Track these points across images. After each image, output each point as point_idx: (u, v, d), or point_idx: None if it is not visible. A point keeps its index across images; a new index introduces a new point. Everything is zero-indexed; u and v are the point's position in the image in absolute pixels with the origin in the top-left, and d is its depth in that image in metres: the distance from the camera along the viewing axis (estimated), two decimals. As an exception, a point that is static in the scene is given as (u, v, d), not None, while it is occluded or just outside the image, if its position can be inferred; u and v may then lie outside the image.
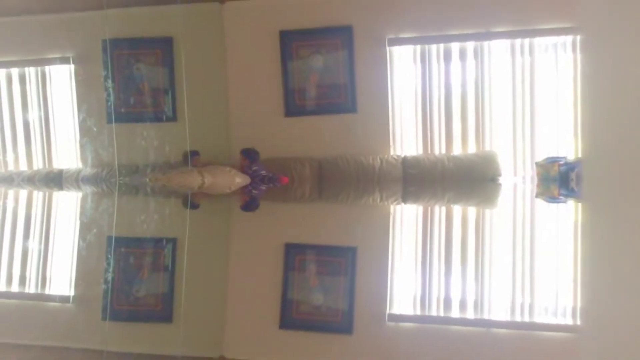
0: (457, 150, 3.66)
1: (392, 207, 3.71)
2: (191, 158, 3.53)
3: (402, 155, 3.65)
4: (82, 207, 3.97)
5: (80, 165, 3.97)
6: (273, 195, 3.68)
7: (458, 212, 3.68)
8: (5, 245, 4.11)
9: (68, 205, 4.08)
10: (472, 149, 3.65)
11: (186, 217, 3.62)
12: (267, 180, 3.57)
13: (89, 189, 3.83)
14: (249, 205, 3.61)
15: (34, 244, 4.09)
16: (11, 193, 4.15)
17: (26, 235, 4.11)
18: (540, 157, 3.51)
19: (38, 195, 4.13)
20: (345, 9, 3.70)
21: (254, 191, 3.57)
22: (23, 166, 4.14)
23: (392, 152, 3.69)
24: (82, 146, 3.94)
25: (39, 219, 4.11)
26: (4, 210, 4.15)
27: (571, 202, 3.48)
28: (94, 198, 3.88)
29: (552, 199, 3.42)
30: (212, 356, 3.78)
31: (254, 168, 3.58)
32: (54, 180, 3.90)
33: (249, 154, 3.60)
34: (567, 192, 3.35)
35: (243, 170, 3.55)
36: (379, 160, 3.61)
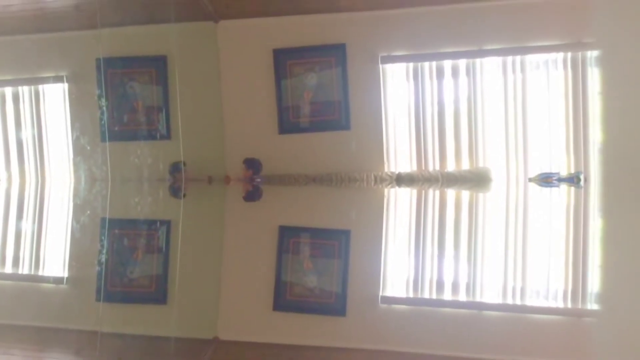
0: (450, 167, 3.68)
1: (386, 190, 3.71)
2: (178, 170, 3.53)
3: (396, 172, 3.66)
4: (76, 189, 3.91)
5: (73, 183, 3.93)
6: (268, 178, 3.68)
7: (452, 196, 3.69)
8: (-1, 226, 4.06)
9: (61, 187, 4.01)
10: (465, 165, 3.66)
11: (180, 200, 3.61)
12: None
13: (82, 170, 3.81)
14: (252, 194, 3.60)
15: (27, 225, 4.00)
16: (4, 175, 4.06)
17: (20, 217, 4.02)
18: (534, 173, 3.55)
19: (31, 177, 4.07)
20: (338, 27, 3.73)
21: (257, 179, 3.58)
22: (16, 185, 4.10)
23: (385, 169, 3.71)
24: (75, 164, 3.90)
25: (32, 200, 4.02)
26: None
27: (564, 187, 3.51)
28: (87, 180, 3.83)
29: (546, 183, 3.48)
30: (206, 337, 3.79)
31: (257, 180, 3.60)
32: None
33: (253, 165, 3.61)
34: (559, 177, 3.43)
35: (245, 181, 3.58)
36: (372, 176, 3.62)
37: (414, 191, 3.70)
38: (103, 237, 3.74)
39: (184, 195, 3.61)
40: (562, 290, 3.53)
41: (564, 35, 3.50)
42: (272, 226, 3.81)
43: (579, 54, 3.51)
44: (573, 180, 3.45)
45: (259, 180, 3.60)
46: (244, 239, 3.86)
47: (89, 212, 3.80)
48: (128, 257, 3.86)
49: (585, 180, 3.42)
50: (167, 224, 3.83)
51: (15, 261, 3.97)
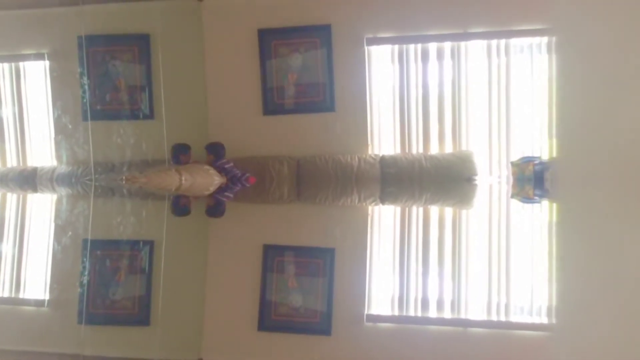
0: (434, 150, 3.68)
1: (370, 208, 3.72)
2: (182, 154, 3.47)
3: (380, 155, 3.66)
4: (57, 210, 3.91)
5: (55, 163, 3.91)
6: (251, 196, 3.67)
7: (435, 212, 3.70)
8: (-21, 250, 4.03)
9: (43, 208, 4.02)
10: (449, 148, 3.67)
11: (163, 219, 3.58)
12: (235, 180, 3.52)
13: (63, 190, 3.77)
14: (214, 209, 3.55)
15: (8, 248, 4.01)
16: None
17: (0, 239, 4.02)
18: (516, 156, 3.54)
19: (12, 198, 4.05)
20: (324, 7, 3.70)
21: (220, 197, 3.51)
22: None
23: (370, 151, 3.71)
24: (57, 144, 3.88)
25: (12, 222, 4.03)
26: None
27: (545, 203, 3.50)
28: (69, 200, 3.82)
29: (527, 199, 3.46)
30: (190, 359, 3.76)
31: (226, 165, 3.52)
32: (28, 179, 3.83)
33: (214, 149, 3.54)
34: (541, 192, 3.39)
35: (213, 165, 3.51)
36: (357, 159, 3.62)
37: (398, 209, 3.71)
38: (85, 259, 3.74)
39: (189, 212, 3.53)
40: (545, 306, 3.54)
41: (548, 19, 3.44)
42: (256, 244, 3.77)
43: None
44: (555, 164, 3.44)
45: (230, 165, 3.52)
46: (229, 258, 3.82)
47: (70, 232, 3.79)
48: (110, 278, 3.83)
49: None
50: (150, 243, 3.80)
51: None
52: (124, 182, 3.04)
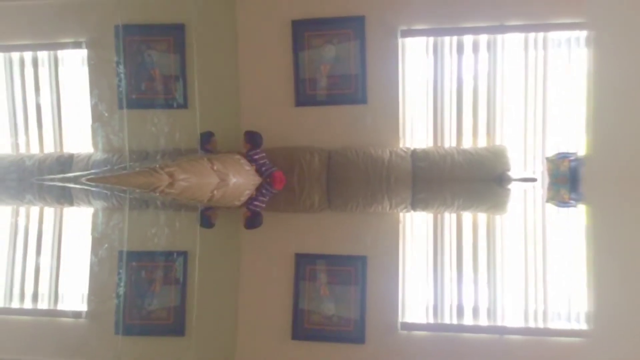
0: (467, 144, 3.66)
1: (401, 214, 3.69)
2: (207, 141, 3.48)
3: (412, 148, 3.65)
4: (93, 223, 3.96)
5: (91, 150, 3.97)
6: (282, 205, 3.67)
7: (468, 218, 3.67)
8: (18, 262, 4.07)
9: (79, 221, 4.09)
10: (482, 142, 3.65)
11: (196, 230, 3.59)
12: (262, 173, 3.51)
13: (99, 203, 3.82)
14: (253, 220, 3.52)
15: (45, 261, 4.05)
16: (22, 210, 4.15)
17: (38, 252, 4.06)
18: (551, 152, 3.52)
19: (49, 212, 4.12)
20: (358, -1, 3.67)
21: (252, 207, 3.50)
22: (35, 149, 4.15)
23: (401, 145, 3.70)
24: (93, 131, 3.92)
25: (50, 235, 4.08)
26: (16, 227, 4.12)
27: (582, 207, 3.41)
28: (104, 213, 3.87)
29: (563, 203, 3.41)
30: None
31: (257, 156, 3.52)
32: (64, 165, 3.89)
33: (253, 138, 3.53)
34: (577, 196, 3.34)
35: (245, 154, 3.51)
36: (388, 152, 3.60)
37: (430, 215, 3.67)
38: (121, 270, 3.74)
39: (213, 225, 3.55)
40: (584, 312, 3.49)
41: (585, 13, 3.41)
42: (288, 254, 3.77)
43: None
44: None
45: (261, 155, 3.52)
46: (261, 268, 3.83)
47: (106, 245, 3.80)
48: (146, 289, 3.86)
49: None
50: (184, 254, 3.80)
51: (35, 296, 4.01)
52: (158, 194, 2.98)
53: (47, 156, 4.03)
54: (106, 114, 3.88)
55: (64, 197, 3.89)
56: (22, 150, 4.16)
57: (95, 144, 3.93)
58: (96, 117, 3.91)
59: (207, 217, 3.50)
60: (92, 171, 3.61)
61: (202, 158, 3.30)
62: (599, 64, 3.08)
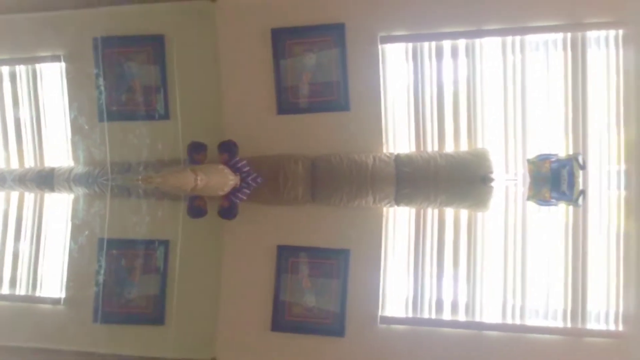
0: (449, 148, 3.65)
1: (385, 209, 3.69)
2: (198, 153, 3.49)
3: (395, 153, 3.63)
4: (74, 209, 3.94)
5: (72, 163, 3.95)
6: (265, 197, 3.66)
7: (450, 214, 3.67)
8: (-3, 247, 4.07)
9: (60, 207, 4.06)
10: (464, 146, 3.64)
11: (179, 220, 3.60)
12: (246, 178, 3.52)
13: (80, 190, 3.80)
14: (228, 211, 3.52)
15: (25, 246, 4.06)
16: (2, 195, 4.12)
17: (17, 237, 4.08)
18: (532, 154, 3.51)
19: (29, 197, 4.10)
20: (337, 6, 3.68)
21: (234, 198, 3.50)
22: (14, 164, 4.11)
23: (385, 150, 3.68)
24: (74, 144, 3.92)
25: (30, 220, 4.08)
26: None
27: (562, 205, 3.48)
28: (85, 200, 3.86)
29: (544, 202, 3.44)
30: (204, 358, 3.77)
31: (239, 164, 3.51)
32: (46, 179, 3.87)
33: (227, 147, 3.51)
34: (558, 195, 3.39)
35: (227, 164, 3.51)
36: (372, 158, 3.58)
37: (413, 210, 3.69)
38: (101, 258, 3.78)
39: (206, 213, 3.55)
40: (561, 310, 3.52)
41: (565, 16, 3.47)
42: (270, 245, 3.76)
43: (579, 35, 3.47)
44: (571, 162, 3.40)
45: (243, 163, 3.52)
46: (243, 259, 3.81)
47: (87, 232, 3.84)
48: (125, 277, 3.86)
49: (584, 163, 3.39)
50: (165, 243, 3.82)
51: (13, 282, 4.03)
52: (140, 182, 3.06)
53: (28, 171, 4.01)
54: (86, 127, 3.90)
55: (45, 183, 3.86)
56: (2, 165, 4.12)
57: (76, 158, 3.93)
58: (76, 130, 3.92)
59: (197, 207, 3.47)
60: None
61: (185, 170, 3.30)
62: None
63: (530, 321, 3.54)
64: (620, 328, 3.44)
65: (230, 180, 3.45)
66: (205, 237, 3.85)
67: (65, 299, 3.94)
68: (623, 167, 3.45)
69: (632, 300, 3.40)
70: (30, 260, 4.08)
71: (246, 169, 3.55)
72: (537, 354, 3.47)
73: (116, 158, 3.72)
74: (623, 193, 3.46)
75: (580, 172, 3.39)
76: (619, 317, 3.44)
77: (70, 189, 3.84)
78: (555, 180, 3.40)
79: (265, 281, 3.76)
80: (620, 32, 3.42)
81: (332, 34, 3.67)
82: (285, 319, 3.74)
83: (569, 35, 3.50)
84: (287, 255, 3.76)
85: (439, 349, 3.57)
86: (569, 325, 3.49)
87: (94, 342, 3.77)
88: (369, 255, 3.68)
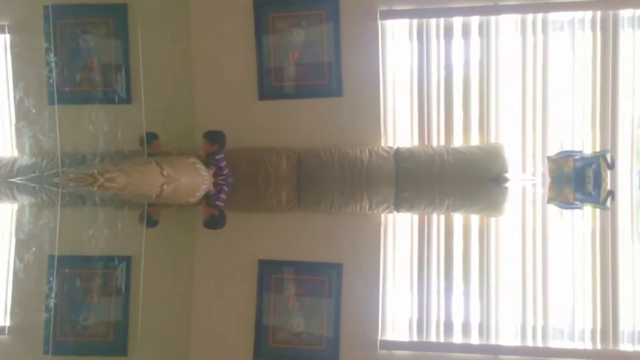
0: (457, 142, 3.51)
1: (383, 216, 3.54)
2: (148, 143, 3.24)
3: (395, 147, 3.47)
4: (18, 221, 3.69)
5: (16, 153, 3.65)
6: (245, 203, 3.48)
7: (459, 220, 3.52)
8: None
9: (2, 220, 3.80)
10: (475, 140, 3.50)
11: (142, 232, 3.40)
12: (223, 177, 3.33)
13: (26, 198, 3.54)
14: (217, 220, 3.30)
15: None
16: None
17: None
18: (553, 151, 3.35)
19: None
20: (330, -26, 3.55)
21: (217, 202, 3.28)
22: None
23: (383, 143, 3.53)
24: (18, 131, 3.65)
25: None
26: None
27: (588, 208, 3.31)
28: (32, 210, 3.61)
29: (566, 204, 3.25)
30: None
31: (222, 164, 3.30)
32: None
33: (217, 138, 3.29)
34: (583, 196, 3.17)
35: (207, 159, 3.28)
36: (367, 152, 3.41)
37: (416, 216, 3.52)
38: (51, 278, 3.53)
39: (157, 223, 3.35)
40: (589, 329, 3.39)
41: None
42: (250, 260, 3.60)
43: (610, 13, 3.28)
44: (598, 160, 3.19)
45: (218, 158, 3.31)
46: (218, 276, 3.65)
47: (34, 248, 3.55)
48: (81, 301, 3.66)
49: (613, 162, 3.17)
50: (127, 260, 3.62)
51: None
52: (95, 188, 2.72)
53: (-36, 162, 3.64)
54: (34, 111, 3.56)
55: None
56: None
57: (20, 147, 3.62)
58: (21, 114, 3.61)
59: (148, 213, 3.27)
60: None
61: (149, 162, 3.03)
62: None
63: (554, 343, 3.42)
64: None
65: (202, 181, 3.17)
66: (173, 252, 3.70)
67: (10, 328, 3.66)
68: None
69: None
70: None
71: (226, 170, 3.35)
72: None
73: (68, 148, 3.38)
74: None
75: (609, 172, 3.17)
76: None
77: (14, 197, 3.56)
78: (580, 180, 3.22)
79: (244, 302, 3.61)
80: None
81: (324, 7, 3.51)
82: (268, 347, 3.59)
83: (598, 13, 3.32)
84: (269, 271, 3.60)
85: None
86: (598, 347, 3.36)
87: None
88: (365, 270, 3.53)
